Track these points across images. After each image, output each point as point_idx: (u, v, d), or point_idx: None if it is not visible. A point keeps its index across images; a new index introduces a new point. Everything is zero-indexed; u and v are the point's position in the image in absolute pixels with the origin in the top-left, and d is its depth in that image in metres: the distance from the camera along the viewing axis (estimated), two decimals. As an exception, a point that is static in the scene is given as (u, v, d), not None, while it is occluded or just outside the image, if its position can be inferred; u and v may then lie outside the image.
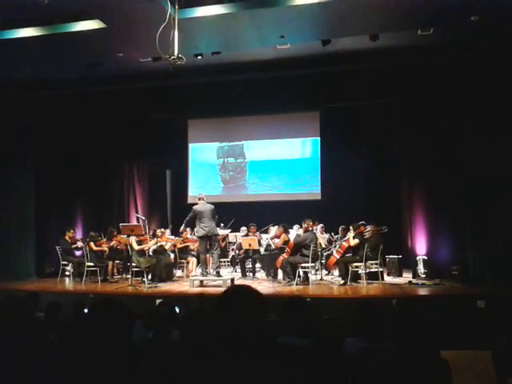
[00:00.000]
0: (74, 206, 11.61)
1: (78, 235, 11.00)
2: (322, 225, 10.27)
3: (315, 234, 8.83)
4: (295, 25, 7.32)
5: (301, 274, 8.52)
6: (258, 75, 9.93)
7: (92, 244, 9.50)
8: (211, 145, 12.35)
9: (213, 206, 8.54)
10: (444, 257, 8.99)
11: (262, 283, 8.80)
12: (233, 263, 10.79)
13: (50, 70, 9.31)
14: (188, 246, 10.08)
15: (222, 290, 1.63)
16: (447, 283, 8.31)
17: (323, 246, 9.63)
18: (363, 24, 7.36)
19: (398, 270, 9.38)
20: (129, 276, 8.91)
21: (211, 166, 12.33)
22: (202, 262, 8.65)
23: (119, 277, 9.97)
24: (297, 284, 8.26)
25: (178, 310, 4.78)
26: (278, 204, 11.57)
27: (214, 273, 8.50)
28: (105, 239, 9.79)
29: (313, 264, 8.52)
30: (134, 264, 8.76)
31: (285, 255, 8.59)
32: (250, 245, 9.38)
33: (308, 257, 8.21)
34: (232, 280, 8.69)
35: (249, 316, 1.46)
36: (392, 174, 11.08)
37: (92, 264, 9.35)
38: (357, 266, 8.43)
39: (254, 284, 8.42)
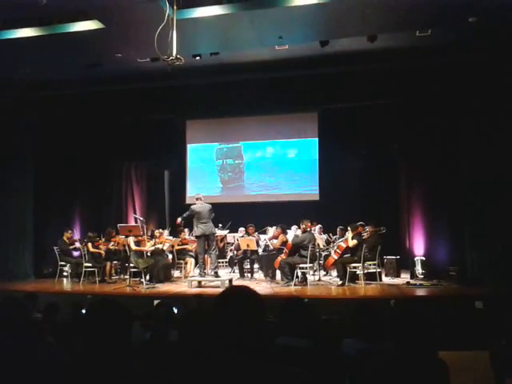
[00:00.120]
0: (72, 207, 11.60)
1: (76, 236, 10.99)
2: (320, 225, 10.28)
3: (313, 234, 8.83)
4: (293, 26, 7.33)
5: (299, 274, 8.52)
6: (257, 76, 9.94)
7: (90, 245, 9.48)
8: (209, 145, 12.34)
9: (210, 206, 8.55)
10: (442, 257, 9.01)
11: (260, 284, 8.80)
12: (231, 264, 10.78)
13: (49, 71, 9.31)
14: (186, 247, 10.08)
15: (220, 290, 1.63)
16: (445, 284, 8.31)
17: (321, 246, 9.64)
18: (361, 25, 7.36)
19: (395, 270, 9.39)
20: (127, 277, 8.90)
21: (209, 167, 12.32)
22: (200, 263, 8.65)
23: (117, 277, 9.95)
24: (295, 285, 8.25)
25: (176, 310, 4.77)
26: (276, 205, 11.56)
27: (212, 273, 8.49)
28: (103, 240, 9.77)
29: (311, 265, 8.52)
30: (131, 265, 8.75)
31: (283, 256, 8.59)
32: (248, 245, 9.39)
33: (306, 257, 8.22)
34: (230, 280, 8.69)
35: (247, 316, 1.46)
36: (390, 174, 11.10)
37: (90, 265, 9.34)
38: (355, 267, 8.44)
39: (252, 285, 8.42)
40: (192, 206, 8.56)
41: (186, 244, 10.08)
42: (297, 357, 2.31)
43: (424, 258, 9.01)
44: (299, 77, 10.00)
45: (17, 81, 9.59)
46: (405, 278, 9.12)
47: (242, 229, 10.65)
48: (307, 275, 8.66)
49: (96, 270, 9.29)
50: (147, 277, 8.80)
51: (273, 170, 11.97)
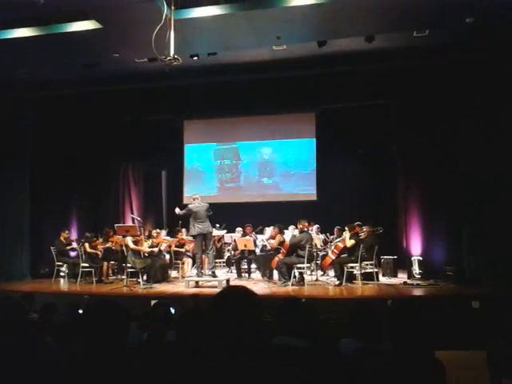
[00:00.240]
0: (69, 207, 11.58)
1: (73, 236, 10.98)
2: (317, 225, 10.29)
3: (311, 234, 8.84)
4: (291, 26, 7.33)
5: (296, 274, 8.53)
6: (254, 76, 9.94)
7: (87, 245, 9.46)
8: (207, 146, 12.33)
9: (207, 205, 8.56)
10: (439, 257, 9.02)
11: (258, 284, 8.81)
12: (228, 264, 10.79)
13: (48, 71, 9.31)
14: (183, 247, 10.07)
15: (218, 290, 1.63)
16: (442, 284, 8.33)
17: (319, 246, 9.65)
18: (358, 25, 7.38)
19: (393, 270, 9.40)
20: (124, 277, 8.89)
21: (207, 167, 12.32)
22: (197, 263, 8.64)
23: (114, 278, 9.94)
24: (292, 285, 8.26)
25: (173, 310, 4.77)
26: (273, 205, 11.57)
27: (210, 273, 8.49)
28: (101, 240, 9.75)
29: (308, 265, 8.53)
30: (129, 265, 8.74)
31: (280, 256, 8.59)
32: (245, 245, 9.39)
33: (303, 257, 8.22)
34: (227, 281, 8.69)
35: (245, 317, 1.46)
36: (388, 174, 11.12)
37: (87, 265, 9.32)
38: (352, 267, 8.45)
39: (250, 285, 8.42)
40: (189, 206, 8.56)
41: (184, 244, 10.07)
42: (294, 357, 2.31)
43: (421, 258, 9.02)
44: (297, 77, 10.00)
45: (15, 81, 9.59)
46: (402, 277, 9.13)
47: (239, 229, 10.65)
48: (305, 275, 8.68)
49: (93, 270, 9.28)
50: (144, 277, 8.78)
51: (270, 170, 11.97)
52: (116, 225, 9.32)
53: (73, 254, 10.34)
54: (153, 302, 6.02)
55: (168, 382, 1.55)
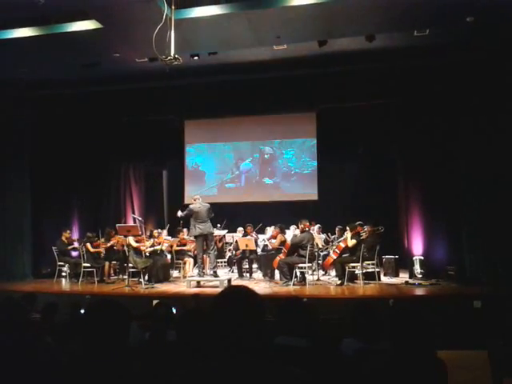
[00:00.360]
0: (70, 207, 11.58)
1: (75, 236, 10.98)
2: (319, 225, 10.28)
3: (312, 234, 8.82)
4: (291, 25, 7.33)
5: (298, 274, 8.52)
6: (255, 76, 9.93)
7: (88, 245, 9.47)
8: (208, 145, 12.33)
9: (209, 205, 8.55)
10: (440, 257, 9.02)
11: (259, 283, 8.80)
12: (230, 264, 10.79)
13: (48, 70, 9.31)
14: (185, 247, 10.07)
15: (219, 290, 1.62)
16: (444, 283, 8.32)
17: (320, 246, 9.64)
18: (359, 25, 7.38)
19: (394, 270, 9.39)
20: (125, 277, 8.89)
21: (208, 167, 12.31)
22: (198, 263, 8.64)
23: (116, 277, 9.94)
24: (294, 284, 8.25)
25: (174, 310, 4.77)
26: (274, 204, 11.57)
27: (211, 273, 8.49)
28: (102, 240, 9.75)
29: (310, 264, 8.52)
30: (130, 265, 8.74)
31: (282, 256, 8.59)
32: (246, 245, 9.38)
33: (305, 257, 8.22)
34: (229, 280, 8.69)
35: (246, 316, 1.46)
36: (389, 174, 11.10)
37: (88, 265, 9.33)
38: (353, 267, 8.44)
39: (251, 284, 8.42)
40: (190, 206, 8.56)
41: (185, 244, 10.07)
42: (295, 357, 2.30)
43: (422, 258, 9.01)
44: (297, 77, 10.00)
45: (15, 80, 9.59)
46: (403, 277, 9.12)
47: (240, 229, 10.66)
48: (306, 275, 8.67)
49: (94, 270, 9.29)
50: (146, 277, 8.79)
51: (271, 169, 11.96)
52: (118, 225, 9.33)
53: (74, 253, 10.34)
54: (154, 302, 6.03)
55: (169, 382, 1.54)
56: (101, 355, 1.80)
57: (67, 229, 10.27)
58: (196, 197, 8.77)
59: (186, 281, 8.53)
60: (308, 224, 8.74)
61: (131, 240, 8.82)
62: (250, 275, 9.68)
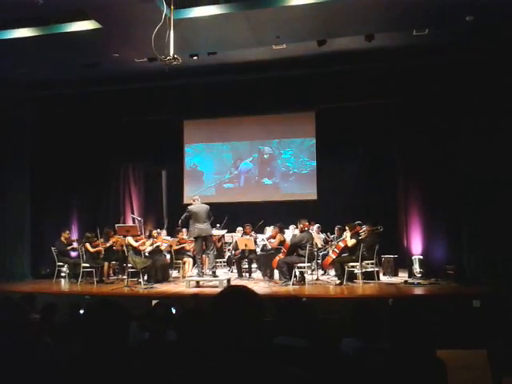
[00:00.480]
0: (69, 207, 11.58)
1: (74, 236, 10.97)
2: (318, 225, 10.28)
3: (311, 234, 8.83)
4: (291, 25, 7.33)
5: (297, 274, 8.53)
6: (254, 76, 9.93)
7: (88, 245, 9.46)
8: (207, 145, 12.32)
9: (208, 207, 8.54)
10: (440, 256, 9.03)
11: (259, 283, 8.81)
12: (229, 263, 10.79)
13: (48, 70, 9.32)
14: (184, 247, 10.07)
15: (219, 290, 1.63)
16: (443, 282, 8.33)
17: (319, 246, 9.65)
18: (358, 24, 7.38)
19: (393, 269, 9.40)
20: (125, 277, 8.89)
21: (207, 167, 12.30)
22: (197, 263, 8.64)
23: (115, 278, 9.94)
24: (293, 284, 8.26)
25: (174, 310, 4.77)
26: (274, 204, 11.57)
27: (211, 273, 8.49)
28: (101, 240, 9.75)
29: (309, 264, 8.52)
30: (129, 265, 8.74)
31: (281, 255, 8.59)
32: (246, 245, 9.39)
33: (304, 257, 8.22)
34: (228, 280, 8.69)
35: (246, 316, 1.46)
36: (388, 173, 11.10)
37: (88, 265, 9.32)
38: (353, 266, 8.45)
39: (251, 284, 8.42)
40: (189, 207, 8.55)
41: (184, 243, 10.07)
42: (295, 356, 2.30)
43: (422, 257, 9.01)
44: (296, 76, 10.00)
45: (16, 80, 9.59)
46: (403, 276, 9.12)
47: (239, 228, 10.65)
48: (305, 274, 8.67)
49: (94, 270, 9.28)
50: (145, 277, 8.79)
51: (270, 169, 11.96)
52: (117, 225, 9.33)
53: (73, 254, 10.33)
54: (154, 302, 6.03)
55: (169, 382, 1.54)
56: (100, 355, 1.80)
57: (66, 229, 10.27)
58: (195, 197, 8.77)
59: (186, 281, 8.53)
60: (307, 224, 8.74)
61: (131, 240, 8.82)
62: (250, 275, 9.68)
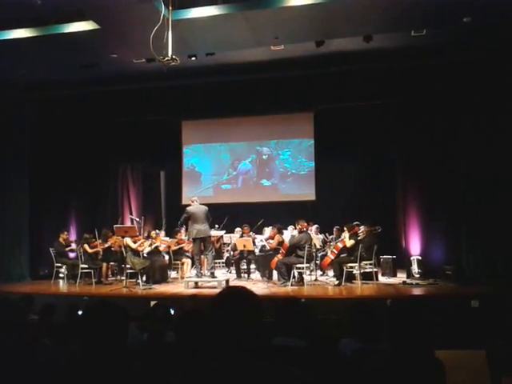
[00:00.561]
0: (68, 207, 11.57)
1: (72, 237, 10.96)
2: (317, 225, 10.28)
3: (310, 234, 8.83)
4: (289, 26, 7.33)
5: (295, 274, 8.52)
6: (252, 76, 9.92)
7: (86, 246, 9.45)
8: (205, 146, 12.32)
9: (206, 208, 8.53)
10: (438, 257, 9.03)
11: (257, 284, 8.80)
12: (227, 264, 10.79)
13: (46, 71, 9.31)
14: (182, 248, 10.06)
15: (217, 291, 1.62)
16: (441, 283, 8.33)
17: (318, 246, 9.65)
18: (356, 25, 7.38)
19: (392, 270, 9.40)
20: (123, 278, 8.88)
21: (205, 168, 12.30)
22: (196, 264, 8.64)
23: (113, 279, 9.94)
24: (292, 285, 8.26)
25: (172, 311, 4.76)
26: (272, 205, 11.56)
27: (209, 274, 8.48)
28: (99, 241, 9.74)
29: (307, 265, 8.53)
30: (128, 266, 8.73)
31: (279, 256, 8.59)
32: (244, 246, 9.38)
33: (303, 257, 8.22)
34: (227, 281, 8.68)
35: (244, 317, 1.46)
36: (387, 174, 11.10)
37: (86, 266, 9.31)
38: (351, 267, 8.45)
39: (249, 285, 8.41)
40: (187, 208, 8.55)
41: (183, 244, 10.06)
42: (294, 357, 2.30)
43: (420, 258, 9.02)
44: (295, 77, 10.00)
45: (15, 81, 9.58)
46: (401, 277, 9.13)
47: (238, 229, 10.65)
48: (304, 275, 8.67)
49: (92, 271, 9.27)
50: (143, 278, 8.77)
51: (269, 170, 11.95)
52: (115, 225, 9.33)
53: (72, 255, 10.32)
54: (152, 303, 6.02)
55: (168, 383, 1.54)
56: (99, 356, 1.80)
57: (65, 230, 10.26)
58: (194, 198, 8.76)
59: (184, 282, 8.52)
60: (305, 224, 8.74)
61: (129, 241, 8.81)
62: (248, 276, 9.68)
